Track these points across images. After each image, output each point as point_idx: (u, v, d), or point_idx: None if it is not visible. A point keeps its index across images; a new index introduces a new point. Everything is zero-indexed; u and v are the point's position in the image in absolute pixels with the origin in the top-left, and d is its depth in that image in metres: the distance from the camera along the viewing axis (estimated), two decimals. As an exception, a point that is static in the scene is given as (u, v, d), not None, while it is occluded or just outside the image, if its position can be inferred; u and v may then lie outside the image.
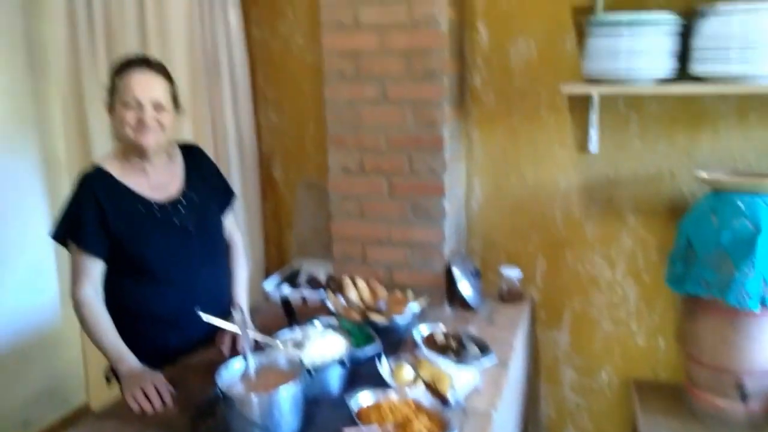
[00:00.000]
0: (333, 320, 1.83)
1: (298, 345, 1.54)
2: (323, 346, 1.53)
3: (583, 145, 2.10)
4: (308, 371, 1.38)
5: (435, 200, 1.98)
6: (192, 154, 1.83)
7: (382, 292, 2.04)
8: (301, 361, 1.40)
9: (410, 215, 2.02)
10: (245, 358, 1.37)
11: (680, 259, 1.84)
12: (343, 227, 2.11)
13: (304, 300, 2.13)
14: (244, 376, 1.37)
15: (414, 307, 1.91)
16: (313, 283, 2.24)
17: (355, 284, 2.07)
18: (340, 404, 1.41)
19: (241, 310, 1.48)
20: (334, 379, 1.49)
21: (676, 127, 2.00)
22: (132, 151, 1.64)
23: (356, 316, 1.87)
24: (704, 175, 1.85)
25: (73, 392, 2.82)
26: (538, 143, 2.15)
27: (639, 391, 2.07)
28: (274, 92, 2.46)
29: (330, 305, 1.95)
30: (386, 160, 2.02)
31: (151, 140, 1.61)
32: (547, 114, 2.12)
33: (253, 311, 1.99)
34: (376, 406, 1.34)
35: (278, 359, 1.42)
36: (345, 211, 2.10)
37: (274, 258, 2.58)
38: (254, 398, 1.24)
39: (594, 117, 2.06)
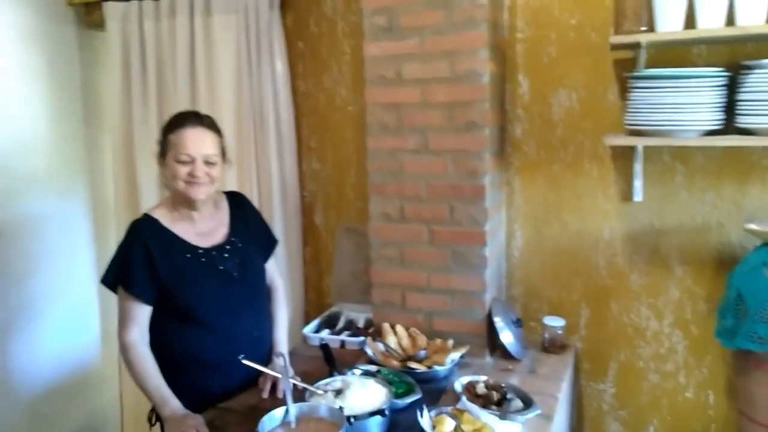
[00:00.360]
0: (373, 368, 1.84)
1: (339, 393, 1.55)
2: (363, 394, 1.54)
3: (627, 194, 2.08)
4: (348, 420, 1.38)
5: (476, 248, 1.99)
6: (237, 202, 1.90)
7: (421, 339, 2.04)
8: (341, 410, 1.40)
9: (451, 263, 2.02)
10: (286, 405, 1.38)
11: (730, 313, 1.79)
12: (383, 273, 2.13)
13: (342, 345, 2.13)
14: (285, 424, 1.38)
15: (454, 356, 1.90)
16: (352, 328, 2.25)
17: (394, 331, 2.08)
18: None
19: (283, 356, 1.50)
20: (374, 428, 1.48)
21: (723, 179, 1.97)
22: (181, 201, 1.71)
23: (396, 364, 1.87)
24: (754, 227, 1.80)
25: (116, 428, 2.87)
26: (580, 192, 2.14)
27: (690, 450, 1.99)
28: (317, 141, 2.54)
29: (369, 352, 1.96)
30: (427, 208, 2.04)
31: (201, 194, 1.68)
32: (589, 163, 2.12)
33: (293, 356, 2.01)
34: (418, 459, 1.32)
35: (319, 408, 1.43)
36: (385, 258, 2.12)
37: (314, 302, 2.60)
38: (296, 448, 1.25)
39: (638, 167, 2.04)
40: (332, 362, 1.77)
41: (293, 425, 1.37)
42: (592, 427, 2.21)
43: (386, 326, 2.08)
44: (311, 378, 1.66)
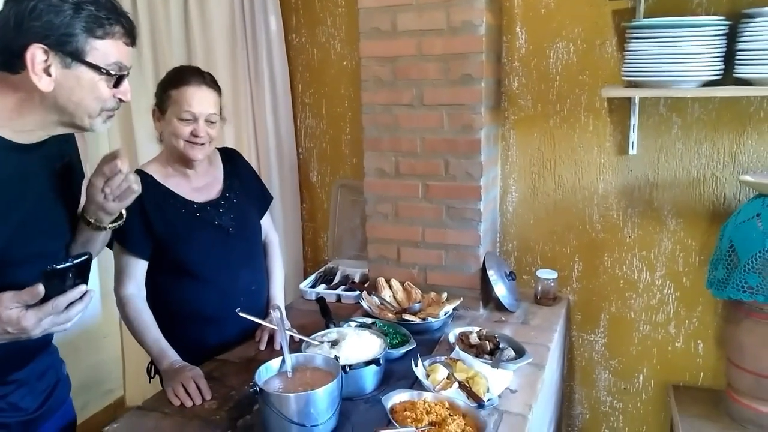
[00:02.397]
0: (368, 320, 1.87)
1: (334, 344, 1.58)
2: (359, 345, 1.57)
3: (622, 147, 2.08)
4: (344, 369, 1.41)
5: (471, 203, 1.99)
6: (231, 158, 1.89)
7: (416, 293, 2.06)
8: (337, 360, 1.43)
9: (445, 217, 2.03)
10: (283, 356, 1.41)
11: (722, 264, 1.80)
12: (378, 229, 2.14)
13: (339, 299, 2.16)
14: (282, 373, 1.41)
15: (448, 308, 1.93)
16: (348, 283, 2.28)
17: (389, 285, 2.10)
18: (375, 403, 1.44)
19: (279, 309, 1.53)
20: (369, 377, 1.52)
21: (719, 131, 1.96)
22: (177, 158, 1.70)
23: (391, 317, 1.90)
24: (749, 178, 1.81)
25: (110, 387, 2.94)
26: (575, 146, 2.14)
27: (677, 395, 2.04)
28: (312, 97, 2.51)
29: (365, 305, 1.99)
30: (422, 163, 2.03)
31: (200, 154, 1.68)
32: (585, 117, 2.11)
33: (290, 310, 2.04)
34: (411, 405, 1.36)
35: (315, 358, 1.46)
36: (380, 213, 2.12)
37: (311, 259, 2.63)
38: (291, 396, 1.28)
39: (634, 120, 2.03)
40: (328, 315, 1.80)
41: (290, 375, 1.40)
42: (582, 376, 2.27)
43: (381, 280, 2.11)
44: (308, 331, 1.69)
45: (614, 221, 2.12)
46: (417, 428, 1.27)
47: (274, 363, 1.42)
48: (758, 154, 1.93)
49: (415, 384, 1.53)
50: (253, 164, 2.44)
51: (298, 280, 2.41)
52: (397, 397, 1.40)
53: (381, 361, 1.51)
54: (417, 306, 1.96)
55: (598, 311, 2.20)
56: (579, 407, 2.30)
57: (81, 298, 1.07)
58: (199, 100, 1.63)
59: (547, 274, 2.10)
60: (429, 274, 2.11)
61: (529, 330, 1.92)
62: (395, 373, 1.62)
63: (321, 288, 2.23)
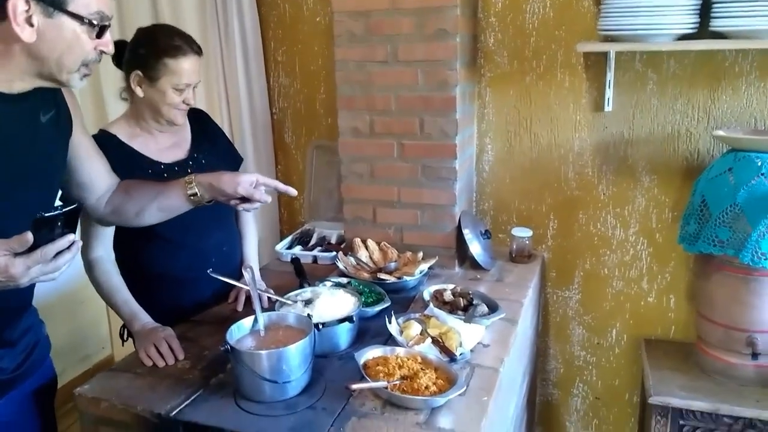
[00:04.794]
0: (344, 280, 1.87)
1: (308, 302, 1.58)
2: (332, 303, 1.56)
3: (598, 104, 2.06)
4: (317, 327, 1.41)
5: (446, 162, 1.98)
6: (199, 119, 1.85)
7: (392, 252, 2.06)
8: (309, 318, 1.43)
9: (421, 177, 2.02)
10: (255, 315, 1.41)
11: (694, 218, 1.82)
12: (354, 189, 2.12)
13: (315, 261, 2.15)
14: (254, 332, 1.40)
15: (424, 267, 1.93)
16: (325, 244, 2.26)
17: (365, 245, 2.09)
18: (348, 359, 1.44)
19: (251, 269, 1.51)
20: (343, 335, 1.52)
21: (694, 86, 1.95)
22: (146, 117, 1.66)
23: (366, 276, 1.90)
24: (722, 133, 1.81)
25: (88, 352, 2.93)
26: (551, 103, 2.12)
27: (648, 349, 2.08)
28: (284, 55, 2.45)
29: (341, 265, 1.98)
30: (396, 122, 2.00)
31: (183, 118, 1.68)
32: (561, 74, 2.08)
33: (265, 272, 2.03)
34: (384, 360, 1.37)
35: (287, 316, 1.45)
36: (355, 173, 2.10)
37: (287, 221, 2.61)
38: (263, 353, 1.27)
39: (610, 76, 2.01)
40: (303, 275, 1.79)
41: (262, 333, 1.39)
42: (556, 331, 2.30)
43: (357, 241, 2.10)
44: (283, 292, 1.69)
45: (589, 179, 2.13)
46: (389, 382, 1.28)
47: (246, 322, 1.41)
48: (732, 109, 1.93)
49: (389, 341, 1.53)
50: (225, 125, 2.41)
51: (274, 243, 2.39)
52: (370, 353, 1.40)
53: (354, 319, 1.51)
54: (393, 265, 1.96)
55: (572, 268, 2.22)
56: (553, 362, 2.34)
57: (69, 247, 1.05)
58: (194, 70, 1.62)
59: (522, 233, 2.11)
60: (405, 234, 2.10)
61: (504, 287, 1.93)
62: (370, 331, 1.62)
63: (297, 250, 2.22)
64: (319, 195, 2.45)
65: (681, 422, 1.78)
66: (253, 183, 1.42)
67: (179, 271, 1.71)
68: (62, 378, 2.69)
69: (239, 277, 1.79)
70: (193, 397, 1.34)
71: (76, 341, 2.84)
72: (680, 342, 2.11)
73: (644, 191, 2.07)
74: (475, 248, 2.01)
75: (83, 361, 2.91)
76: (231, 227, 1.86)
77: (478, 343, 1.54)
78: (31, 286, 1.30)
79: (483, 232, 2.07)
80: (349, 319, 1.50)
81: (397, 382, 1.29)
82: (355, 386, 1.22)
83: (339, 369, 1.44)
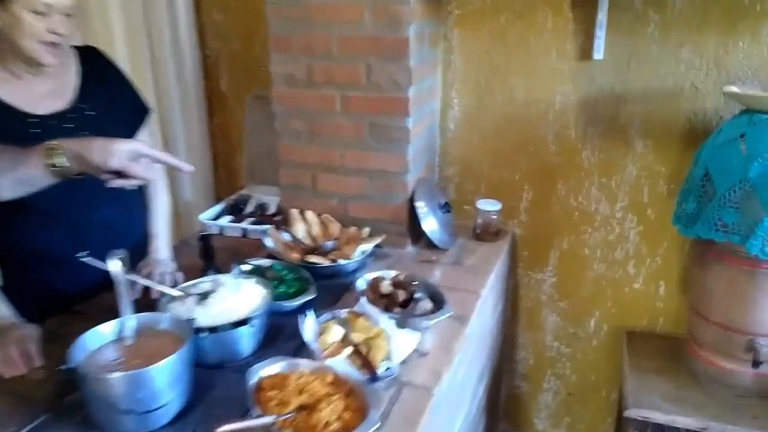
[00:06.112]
0: (267, 262, 1.56)
1: (205, 297, 1.26)
2: (233, 300, 1.24)
3: (586, 51, 1.69)
4: (197, 332, 1.10)
5: (397, 120, 1.63)
6: (91, 59, 1.48)
7: (334, 227, 1.74)
8: (190, 322, 1.12)
9: (368, 137, 1.67)
10: (122, 317, 1.10)
11: (693, 195, 1.48)
12: (291, 150, 1.78)
13: (245, 234, 1.83)
14: (120, 339, 1.09)
15: (366, 246, 1.61)
16: (262, 214, 1.94)
17: (304, 218, 1.77)
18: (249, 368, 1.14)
19: (122, 259, 1.18)
20: (244, 340, 1.21)
21: (705, 30, 1.58)
22: (13, 59, 1.31)
23: (295, 257, 1.58)
24: (735, 89, 1.45)
25: None
26: (531, 49, 1.75)
27: (631, 343, 1.79)
28: (218, -15, 2.06)
29: (269, 243, 1.66)
30: (339, 68, 1.64)
31: (54, 57, 1.31)
32: (543, 13, 1.71)
33: (181, 249, 1.71)
34: (282, 381, 1.06)
35: (161, 319, 1.14)
36: (292, 131, 1.75)
37: (225, 183, 2.27)
38: (112, 378, 0.97)
39: (602, 16, 1.64)
40: (210, 258, 1.47)
41: (129, 342, 1.09)
42: (528, 318, 2.01)
43: (294, 212, 1.77)
44: (191, 277, 1.38)
45: (572, 142, 1.78)
46: (277, 416, 0.97)
47: (107, 327, 1.10)
48: (749, 59, 1.56)
49: (302, 347, 1.23)
50: (147, 69, 2.03)
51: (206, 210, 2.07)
52: (267, 369, 1.09)
53: (255, 322, 1.19)
54: (329, 244, 1.64)
55: (547, 247, 1.90)
56: (522, 352, 2.06)
57: None
58: None
59: (489, 205, 1.78)
60: (350, 206, 1.77)
61: (462, 272, 1.62)
62: (286, 330, 1.32)
63: (225, 221, 1.89)
64: (259, 155, 2.11)
65: (663, 439, 1.50)
66: (132, 154, 1.09)
67: (56, 249, 1.39)
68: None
69: (139, 259, 1.49)
70: (33, 424, 1.05)
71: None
72: (668, 336, 1.81)
73: (636, 159, 1.73)
74: (430, 224, 1.68)
75: None
76: (123, 196, 1.51)
77: (414, 351, 1.24)
78: None
79: (442, 204, 1.74)
80: (247, 322, 1.18)
81: (290, 416, 0.98)
82: (221, 430, 0.92)
83: (234, 384, 1.13)
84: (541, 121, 1.79)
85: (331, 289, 1.51)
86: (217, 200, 2.22)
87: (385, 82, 1.61)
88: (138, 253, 1.52)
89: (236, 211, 1.97)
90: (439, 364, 1.21)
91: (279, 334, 1.31)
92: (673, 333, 1.81)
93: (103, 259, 1.17)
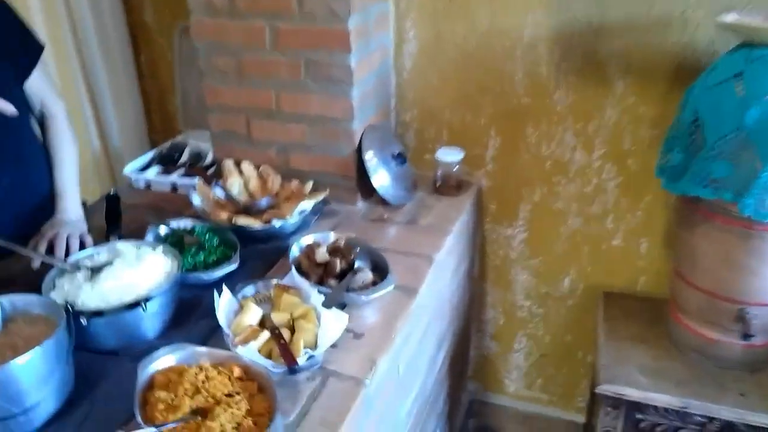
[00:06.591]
0: (188, 224, 1.35)
1: (97, 270, 1.06)
2: (130, 274, 1.04)
3: (562, -27, 1.44)
4: (77, 318, 0.91)
5: (338, 56, 1.38)
6: None
7: (274, 182, 1.52)
8: (69, 307, 0.92)
9: (305, 77, 1.43)
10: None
11: (680, 144, 1.27)
12: (218, 92, 1.54)
13: (174, 189, 1.61)
14: (-18, 329, 0.90)
15: (305, 205, 1.40)
16: (193, 165, 1.71)
17: (240, 171, 1.55)
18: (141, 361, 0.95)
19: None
20: (146, 323, 1.03)
21: (700, -56, 1.33)
22: None
23: (223, 218, 1.37)
24: (732, 19, 1.21)
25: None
26: (498, -29, 1.49)
27: (608, 305, 1.62)
28: None
29: (196, 201, 1.44)
30: (268, -7, 1.38)
31: None
32: (513, -76, 1.44)
33: (96, 208, 1.48)
34: (178, 376, 0.87)
35: (34, 302, 0.94)
36: (218, 70, 1.51)
37: (159, 130, 2.03)
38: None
39: (582, -71, 1.38)
40: (114, 221, 1.26)
41: (-5, 330, 0.89)
42: (496, 277, 1.83)
43: (229, 164, 1.55)
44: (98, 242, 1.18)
45: (543, 81, 1.54)
46: (162, 426, 0.79)
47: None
48: (752, -18, 1.32)
49: (218, 329, 1.04)
50: (59, 1, 1.74)
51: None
52: (161, 362, 0.91)
53: (145, 306, 0.99)
54: (264, 202, 1.43)
55: (517, 200, 1.70)
56: (492, 311, 1.90)
57: None
58: None
59: (449, 155, 1.56)
60: (291, 157, 1.55)
61: (416, 233, 1.42)
62: (203, 307, 1.13)
63: (152, 173, 1.67)
64: (191, 95, 1.86)
65: (638, 416, 1.35)
66: None
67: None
68: None
69: (40, 224, 1.28)
70: None
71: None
72: (649, 298, 1.64)
73: (617, 101, 1.51)
74: (381, 178, 1.47)
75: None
76: (16, 150, 1.28)
77: (349, 332, 1.06)
78: None
79: (396, 155, 1.52)
80: (139, 304, 0.99)
81: (176, 425, 0.80)
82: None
83: (129, 375, 0.93)
84: (508, 57, 1.55)
85: (265, 255, 1.32)
86: (153, 148, 1.99)
87: (321, 10, 1.35)
88: (45, 216, 1.30)
89: (169, 161, 1.74)
90: (376, 349, 1.03)
91: (193, 313, 1.12)
92: (655, 294, 1.65)
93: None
